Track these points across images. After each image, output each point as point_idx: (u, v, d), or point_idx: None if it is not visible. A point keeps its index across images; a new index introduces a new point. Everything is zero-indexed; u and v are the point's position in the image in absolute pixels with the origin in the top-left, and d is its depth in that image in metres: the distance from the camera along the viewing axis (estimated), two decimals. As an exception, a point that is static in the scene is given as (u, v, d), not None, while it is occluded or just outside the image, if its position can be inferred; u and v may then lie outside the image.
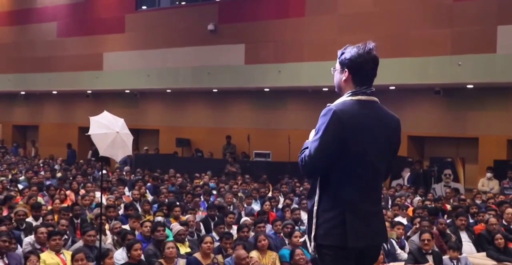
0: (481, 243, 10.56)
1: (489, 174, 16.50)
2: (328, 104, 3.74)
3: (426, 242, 9.26)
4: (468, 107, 17.77)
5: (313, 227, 3.60)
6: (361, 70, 3.69)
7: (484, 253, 10.17)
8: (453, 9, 16.66)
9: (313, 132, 3.77)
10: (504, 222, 11.54)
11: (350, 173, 3.61)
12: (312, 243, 3.62)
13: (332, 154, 3.56)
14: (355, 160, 3.60)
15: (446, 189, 16.13)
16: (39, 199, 12.97)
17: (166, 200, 13.40)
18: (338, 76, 3.79)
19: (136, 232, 9.89)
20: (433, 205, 13.20)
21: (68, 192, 14.23)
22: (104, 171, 13.55)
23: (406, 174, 17.87)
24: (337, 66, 3.80)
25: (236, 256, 8.36)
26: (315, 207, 3.62)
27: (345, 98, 3.71)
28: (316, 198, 3.64)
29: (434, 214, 11.98)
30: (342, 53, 3.76)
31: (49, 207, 12.02)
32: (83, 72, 24.75)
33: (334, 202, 3.60)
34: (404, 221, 11.80)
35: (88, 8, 25.41)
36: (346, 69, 3.72)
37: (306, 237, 3.78)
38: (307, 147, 3.67)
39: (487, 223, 10.84)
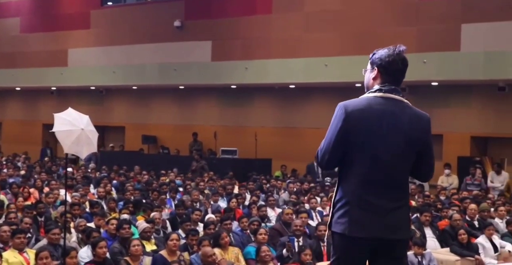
0: (445, 238, 10.69)
1: (447, 171, 16.75)
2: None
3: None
4: (432, 104, 17.92)
5: (330, 215, 3.85)
6: (390, 68, 3.87)
7: (447, 249, 10.29)
8: (418, 8, 16.82)
9: None
10: (467, 217, 11.69)
11: (356, 166, 3.76)
12: (328, 231, 3.86)
13: (337, 147, 3.77)
14: (360, 153, 3.75)
15: (411, 185, 16.28)
16: (2, 197, 12.80)
17: (132, 198, 13.31)
18: (368, 75, 3.99)
19: (102, 230, 9.80)
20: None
21: (32, 190, 14.08)
22: (69, 169, 13.43)
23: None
24: (368, 66, 3.99)
25: (202, 253, 8.34)
26: (334, 198, 3.86)
27: (366, 94, 3.90)
28: (335, 188, 3.88)
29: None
30: (374, 54, 3.96)
31: (12, 205, 11.86)
32: (47, 69, 24.47)
33: (343, 192, 3.80)
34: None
35: (53, 3, 25.12)
36: (375, 68, 3.90)
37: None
38: None
39: (451, 219, 10.97)
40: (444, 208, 12.35)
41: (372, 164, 3.73)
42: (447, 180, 16.74)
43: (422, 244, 9.67)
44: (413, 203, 13.97)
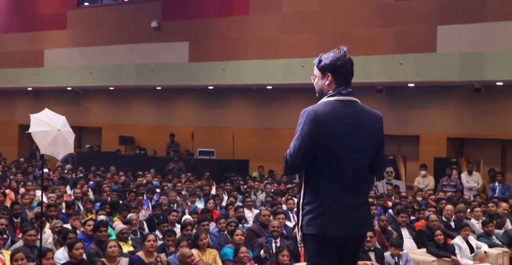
0: (421, 239, 10.75)
1: (423, 172, 16.88)
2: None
3: (368, 239, 9.37)
4: (409, 105, 18.06)
5: (300, 218, 3.99)
6: (342, 71, 4.07)
7: (424, 249, 10.36)
8: (395, 9, 16.92)
9: None
10: (443, 218, 11.77)
11: (327, 168, 3.94)
12: (299, 233, 4.01)
13: (308, 151, 3.90)
14: (331, 155, 3.92)
15: (388, 186, 16.37)
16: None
17: (109, 199, 13.25)
18: (320, 82, 4.13)
19: (78, 231, 9.75)
20: (375, 202, 13.37)
21: (7, 191, 13.95)
22: (45, 170, 13.35)
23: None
24: (317, 73, 4.15)
25: (180, 254, 8.32)
26: (301, 200, 4.00)
27: (323, 100, 4.06)
28: (302, 192, 4.01)
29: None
30: (320, 61, 4.13)
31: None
32: (23, 69, 24.27)
33: (314, 195, 3.96)
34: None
35: (29, 3, 24.93)
36: (328, 73, 4.07)
37: (296, 228, 4.13)
38: None
39: (427, 219, 11.05)
40: (420, 209, 12.41)
41: (342, 165, 3.95)
42: (423, 181, 16.85)
43: (399, 244, 9.73)
44: (389, 203, 14.07)
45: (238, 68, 19.33)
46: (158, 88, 22.36)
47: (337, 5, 17.79)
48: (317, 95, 4.16)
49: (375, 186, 17.01)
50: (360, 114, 4.04)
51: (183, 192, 14.93)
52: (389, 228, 10.86)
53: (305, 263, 4.14)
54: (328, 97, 4.03)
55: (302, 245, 4.03)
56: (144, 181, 16.71)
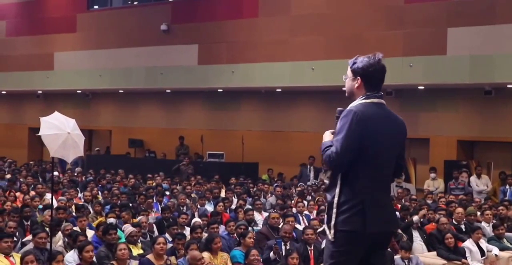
0: (432, 242, 10.71)
1: (432, 175, 16.83)
2: (339, 108, 4.25)
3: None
4: (419, 108, 18.00)
5: (333, 216, 4.08)
6: (372, 78, 4.25)
7: (434, 252, 10.32)
8: (404, 11, 16.88)
9: (327, 133, 4.27)
10: (454, 221, 11.73)
11: (367, 167, 4.11)
12: (332, 231, 4.08)
13: (355, 150, 4.04)
14: (372, 154, 4.10)
15: (398, 189, 16.32)
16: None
17: (119, 202, 13.27)
18: (350, 83, 4.30)
19: (88, 234, 9.76)
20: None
21: (17, 193, 13.99)
22: (55, 173, 13.37)
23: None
24: (349, 74, 4.31)
25: (190, 257, 8.32)
26: (336, 198, 4.10)
27: (360, 101, 4.20)
28: (337, 190, 4.12)
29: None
30: (354, 63, 4.27)
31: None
32: (33, 72, 24.36)
33: (353, 193, 4.09)
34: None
35: (39, 7, 25.03)
36: (358, 77, 4.23)
37: (325, 225, 4.20)
38: (330, 146, 4.11)
39: (438, 222, 11.00)
40: (431, 211, 12.36)
41: (380, 164, 4.15)
42: (433, 184, 16.79)
43: (409, 247, 9.70)
44: (399, 206, 14.01)
45: (247, 71, 19.33)
46: (167, 91, 22.39)
47: (346, 7, 17.77)
48: (346, 94, 4.35)
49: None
50: (392, 117, 4.28)
51: (193, 195, 14.94)
52: (399, 231, 10.82)
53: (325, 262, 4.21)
54: (364, 99, 4.20)
55: (332, 242, 4.09)
56: (154, 184, 16.72)
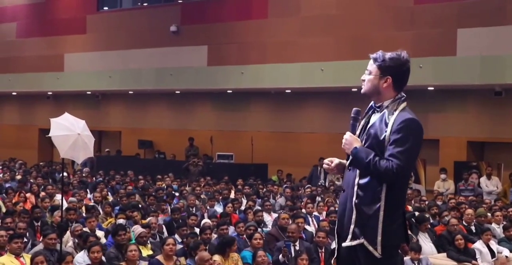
0: (441, 243, 10.68)
1: (443, 176, 16.77)
2: (356, 108, 4.05)
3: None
4: (428, 109, 17.94)
5: (379, 231, 3.82)
6: (404, 77, 4.01)
7: (444, 254, 10.29)
8: (414, 12, 16.85)
9: (353, 137, 3.95)
10: (464, 222, 11.69)
11: (406, 178, 4.00)
12: (379, 247, 3.82)
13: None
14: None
15: (408, 190, 16.28)
16: (-2, 201, 12.78)
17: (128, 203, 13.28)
18: (376, 81, 3.98)
19: (98, 234, 9.78)
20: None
21: (28, 194, 14.05)
22: (64, 174, 13.43)
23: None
24: (375, 71, 3.98)
25: (199, 258, 8.32)
26: (382, 212, 3.82)
27: (402, 105, 3.97)
28: (382, 203, 3.83)
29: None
30: (384, 60, 3.96)
31: (4, 210, 11.84)
32: (43, 73, 24.45)
33: (397, 204, 3.89)
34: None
35: (49, 8, 25.12)
36: (389, 76, 3.95)
37: (363, 241, 3.89)
38: (376, 155, 3.81)
39: (448, 224, 10.97)
40: (441, 213, 12.33)
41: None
42: (443, 185, 16.74)
43: (419, 249, 9.67)
44: (409, 208, 13.99)
45: (256, 72, 19.34)
46: (177, 92, 22.43)
47: (355, 8, 17.76)
48: (365, 91, 4.05)
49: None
50: None
51: (202, 196, 14.95)
52: (409, 232, 10.79)
53: None
54: (402, 102, 3.99)
55: (378, 259, 3.83)
56: (163, 185, 16.75)
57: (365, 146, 3.92)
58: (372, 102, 4.11)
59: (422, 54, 16.34)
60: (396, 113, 3.90)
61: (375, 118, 3.99)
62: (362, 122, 4.08)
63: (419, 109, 17.89)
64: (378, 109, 4.01)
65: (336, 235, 4.14)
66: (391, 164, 3.74)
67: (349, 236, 3.91)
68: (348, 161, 4.04)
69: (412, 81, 15.17)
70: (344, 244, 3.94)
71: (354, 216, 3.90)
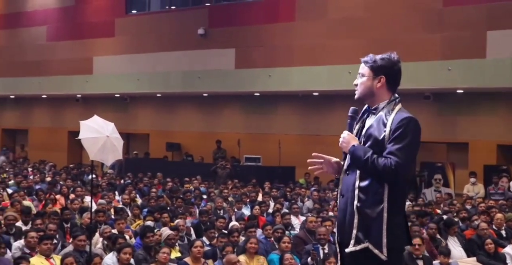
0: (471, 248, 10.58)
1: (472, 179, 16.61)
2: (353, 107, 4.04)
3: (416, 247, 9.27)
4: (458, 112, 17.82)
5: (384, 233, 3.75)
6: (397, 77, 3.99)
7: (474, 258, 10.18)
8: (443, 14, 16.72)
9: (350, 136, 3.93)
10: (494, 227, 11.57)
11: (406, 180, 3.93)
12: (385, 249, 3.75)
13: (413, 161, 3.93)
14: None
15: (437, 194, 16.16)
16: (29, 203, 12.92)
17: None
18: (369, 83, 3.98)
19: (127, 236, 9.85)
20: (423, 210, 13.21)
21: (57, 196, 14.19)
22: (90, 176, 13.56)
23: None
24: (368, 73, 3.98)
25: (226, 260, 8.35)
26: (385, 214, 3.77)
27: (399, 105, 3.95)
28: (385, 205, 3.78)
29: (424, 216, 11.99)
30: (375, 61, 3.96)
31: (35, 211, 11.97)
32: (73, 76, 24.68)
33: (399, 206, 3.85)
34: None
35: (78, 12, 25.36)
36: (382, 76, 3.94)
37: (368, 245, 3.80)
38: (374, 153, 3.77)
39: (478, 228, 10.87)
40: (470, 217, 12.22)
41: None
42: (473, 189, 16.57)
43: (448, 253, 9.60)
44: (438, 211, 13.90)
45: (284, 75, 19.33)
46: (204, 94, 22.50)
47: (383, 11, 17.67)
48: (359, 95, 4.04)
49: (423, 194, 16.82)
50: None
51: (230, 199, 14.98)
52: (438, 236, 10.72)
53: None
54: (398, 103, 3.96)
55: (384, 261, 3.75)
56: (191, 188, 16.81)
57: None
58: (366, 106, 4.08)
59: (451, 57, 16.25)
60: (393, 113, 3.88)
61: (371, 120, 3.96)
62: (357, 127, 4.05)
63: (448, 112, 17.85)
64: (374, 111, 3.99)
65: (337, 244, 4.05)
66: (389, 162, 3.70)
67: (352, 241, 3.82)
68: (346, 165, 3.99)
69: (441, 84, 15.15)
70: (347, 250, 3.84)
71: (356, 220, 3.82)
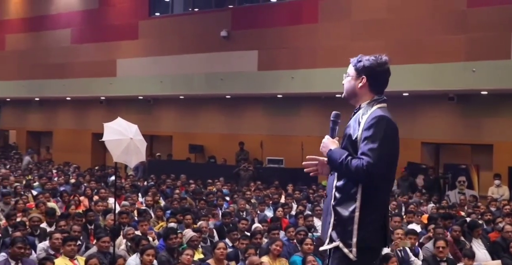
0: (496, 250, 10.49)
1: (497, 181, 16.48)
2: (335, 112, 4.03)
3: (440, 249, 9.21)
4: (482, 113, 17.68)
5: (355, 232, 3.72)
6: (379, 79, 3.94)
7: (499, 261, 10.09)
8: (467, 15, 16.61)
9: (330, 140, 3.97)
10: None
11: (386, 179, 3.82)
12: (354, 249, 3.72)
13: (393, 160, 3.77)
14: (394, 165, 3.82)
15: (461, 196, 16.05)
16: (53, 205, 13.02)
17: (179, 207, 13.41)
18: (352, 82, 3.98)
19: (150, 238, 9.90)
20: (447, 212, 13.13)
21: (81, 198, 14.28)
22: (112, 178, 13.61)
23: (420, 180, 17.81)
24: (352, 72, 3.99)
25: (249, 262, 8.35)
26: (357, 213, 3.73)
27: (378, 105, 3.89)
28: (358, 204, 3.74)
29: (448, 218, 11.91)
30: (359, 61, 3.97)
31: (59, 213, 12.06)
32: (97, 79, 24.86)
33: (375, 207, 3.77)
34: (418, 228, 11.74)
35: (102, 14, 25.53)
36: (364, 76, 3.92)
37: (339, 243, 3.81)
38: (348, 155, 3.76)
39: (502, 230, 10.78)
40: (494, 219, 12.12)
41: (392, 177, 3.90)
42: (498, 191, 16.44)
43: (472, 255, 9.52)
44: (462, 213, 13.80)
45: (307, 76, 19.30)
46: (227, 96, 22.53)
47: (406, 12, 17.59)
48: (344, 94, 4.06)
49: (446, 196, 16.71)
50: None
51: (252, 201, 14.98)
52: (462, 238, 10.64)
53: None
54: (379, 103, 3.91)
55: (353, 261, 3.74)
56: (214, 189, 16.84)
57: (341, 147, 3.90)
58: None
59: (475, 58, 16.13)
60: (369, 112, 3.85)
61: (351, 120, 3.99)
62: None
63: (472, 113, 17.71)
64: (356, 111, 4.01)
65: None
66: (361, 162, 3.66)
67: (327, 240, 3.85)
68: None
69: (465, 85, 15.02)
70: (321, 248, 3.91)
71: (332, 220, 3.83)
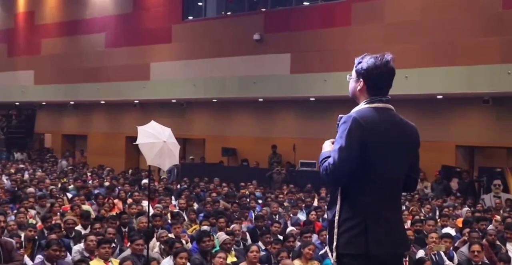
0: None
1: None
2: (340, 115, 3.79)
3: (476, 253, 9.11)
4: (518, 116, 17.46)
5: (335, 237, 3.61)
6: (376, 82, 3.76)
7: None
8: (502, 17, 16.41)
9: (327, 143, 3.83)
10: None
11: (372, 181, 3.62)
12: (334, 253, 3.61)
13: (355, 160, 3.56)
14: (375, 166, 3.61)
15: (496, 199, 15.86)
16: (88, 207, 13.15)
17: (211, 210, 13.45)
18: (353, 84, 3.87)
19: (183, 240, 9.94)
20: (482, 216, 12.98)
21: (116, 200, 14.40)
22: (145, 180, 13.68)
23: (455, 184, 17.65)
24: (353, 74, 3.86)
25: (282, 265, 8.35)
26: (337, 217, 3.63)
27: (363, 105, 3.76)
28: (338, 207, 3.65)
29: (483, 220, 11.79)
30: (359, 62, 3.81)
31: (93, 215, 12.17)
32: (130, 82, 25.06)
33: (355, 210, 3.61)
34: (453, 231, 11.63)
35: (136, 19, 25.74)
36: (361, 79, 3.78)
37: (327, 247, 3.76)
38: (328, 156, 3.65)
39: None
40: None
41: (386, 178, 3.65)
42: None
43: (508, 260, 9.40)
44: (497, 217, 13.63)
45: (339, 80, 19.16)
46: (260, 99, 22.55)
47: (440, 14, 17.44)
48: (350, 95, 3.93)
49: (481, 200, 16.52)
50: (399, 124, 3.78)
51: (285, 204, 14.97)
52: (497, 242, 10.51)
53: None
54: (368, 103, 3.75)
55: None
56: (247, 192, 16.86)
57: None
58: None
59: (511, 60, 15.92)
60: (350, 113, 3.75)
61: None
62: None
63: (507, 116, 17.49)
64: None
65: None
66: (326, 163, 3.60)
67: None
68: None
69: (501, 88, 14.86)
70: (321, 252, 3.96)
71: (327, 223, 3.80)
